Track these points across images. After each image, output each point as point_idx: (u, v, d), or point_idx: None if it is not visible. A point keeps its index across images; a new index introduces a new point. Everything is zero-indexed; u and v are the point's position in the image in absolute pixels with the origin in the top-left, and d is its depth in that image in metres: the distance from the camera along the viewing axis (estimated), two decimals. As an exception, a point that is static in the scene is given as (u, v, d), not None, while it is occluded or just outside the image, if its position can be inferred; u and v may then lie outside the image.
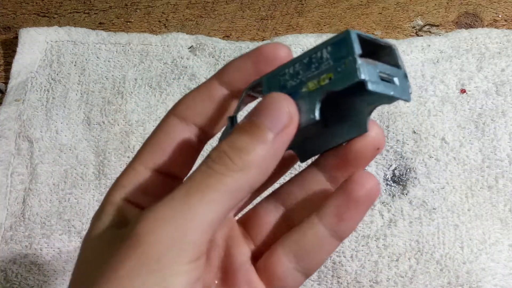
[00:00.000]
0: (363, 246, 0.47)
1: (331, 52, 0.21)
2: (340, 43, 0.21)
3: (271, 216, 0.25)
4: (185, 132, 0.24)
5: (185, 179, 0.21)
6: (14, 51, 0.57)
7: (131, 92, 0.55)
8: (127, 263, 0.19)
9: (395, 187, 0.49)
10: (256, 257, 0.25)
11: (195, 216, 0.19)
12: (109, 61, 0.57)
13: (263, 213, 0.26)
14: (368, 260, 0.46)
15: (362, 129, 0.23)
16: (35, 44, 0.57)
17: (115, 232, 0.22)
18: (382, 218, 0.48)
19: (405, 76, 0.22)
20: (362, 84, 0.20)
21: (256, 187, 0.21)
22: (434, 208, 0.48)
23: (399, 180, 0.49)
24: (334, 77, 0.21)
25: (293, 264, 0.24)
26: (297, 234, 0.24)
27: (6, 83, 0.56)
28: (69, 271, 0.47)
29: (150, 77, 0.55)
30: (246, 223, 0.26)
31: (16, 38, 0.58)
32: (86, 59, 0.57)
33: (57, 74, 0.56)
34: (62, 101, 0.55)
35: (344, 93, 0.21)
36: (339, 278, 0.46)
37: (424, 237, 0.47)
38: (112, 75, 0.56)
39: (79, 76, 0.56)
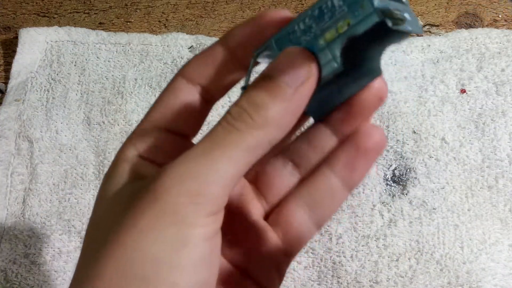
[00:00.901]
0: (363, 246, 0.47)
1: None
2: None
3: (280, 173, 0.26)
4: (192, 92, 0.24)
5: (202, 137, 0.22)
6: (14, 51, 0.57)
7: (131, 92, 0.55)
8: (145, 217, 0.19)
9: (395, 187, 0.49)
10: (269, 214, 0.26)
11: (217, 170, 0.20)
12: (109, 61, 0.57)
13: (272, 170, 0.26)
14: (368, 260, 0.46)
15: (376, 72, 0.23)
16: (35, 44, 0.57)
17: (131, 186, 0.22)
18: (382, 218, 0.48)
19: (411, 10, 0.22)
20: (381, 24, 0.20)
21: (275, 143, 0.21)
22: (434, 208, 0.48)
23: (399, 180, 0.49)
24: (352, 22, 0.21)
25: (307, 215, 0.25)
26: (310, 186, 0.25)
27: (6, 83, 0.56)
28: (69, 271, 0.47)
29: (150, 77, 0.55)
30: (256, 182, 0.26)
31: (16, 38, 0.58)
32: (86, 59, 0.57)
33: (57, 74, 0.56)
34: (62, 101, 0.55)
35: (361, 38, 0.21)
36: (339, 278, 0.46)
37: (424, 237, 0.47)
38: (112, 75, 0.56)
39: (79, 76, 0.56)
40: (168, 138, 0.24)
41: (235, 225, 0.25)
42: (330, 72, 0.21)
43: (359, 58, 0.23)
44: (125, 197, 0.21)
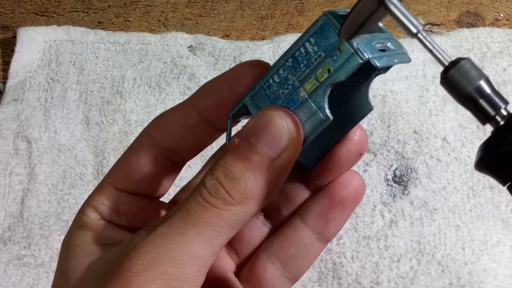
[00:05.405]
0: (363, 247, 0.46)
1: (316, 43, 0.19)
2: (323, 31, 0.19)
3: (252, 224, 0.25)
4: (157, 154, 0.22)
5: (176, 206, 0.20)
6: (13, 51, 0.57)
7: (130, 92, 0.54)
8: None
9: (396, 187, 0.49)
10: (240, 268, 0.24)
11: (194, 252, 0.18)
12: (108, 61, 0.56)
13: None
14: (369, 261, 0.46)
15: (367, 108, 0.22)
16: (34, 44, 0.57)
17: (101, 260, 0.20)
18: (383, 218, 0.47)
19: (394, 37, 0.21)
20: (366, 63, 0.19)
21: (256, 214, 0.20)
22: (435, 209, 0.47)
23: (400, 180, 0.49)
24: (333, 68, 0.19)
25: (279, 271, 0.23)
26: (282, 240, 0.23)
27: (4, 83, 0.56)
28: (67, 272, 0.47)
29: (149, 77, 0.55)
30: None
31: (14, 37, 0.58)
32: (85, 59, 0.56)
33: (56, 74, 0.56)
34: (61, 101, 0.54)
35: (345, 81, 0.19)
36: (339, 279, 0.45)
37: (425, 238, 0.46)
38: (111, 75, 0.55)
39: (77, 76, 0.56)
40: (132, 201, 0.22)
41: (205, 282, 0.23)
42: (317, 125, 0.19)
43: (345, 99, 0.21)
44: (96, 271, 0.20)
